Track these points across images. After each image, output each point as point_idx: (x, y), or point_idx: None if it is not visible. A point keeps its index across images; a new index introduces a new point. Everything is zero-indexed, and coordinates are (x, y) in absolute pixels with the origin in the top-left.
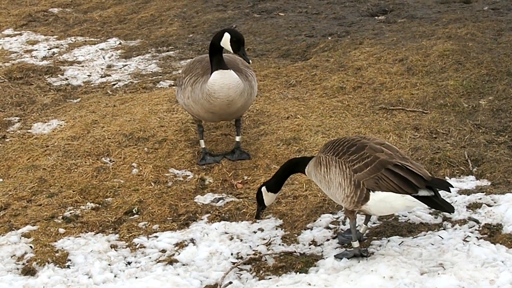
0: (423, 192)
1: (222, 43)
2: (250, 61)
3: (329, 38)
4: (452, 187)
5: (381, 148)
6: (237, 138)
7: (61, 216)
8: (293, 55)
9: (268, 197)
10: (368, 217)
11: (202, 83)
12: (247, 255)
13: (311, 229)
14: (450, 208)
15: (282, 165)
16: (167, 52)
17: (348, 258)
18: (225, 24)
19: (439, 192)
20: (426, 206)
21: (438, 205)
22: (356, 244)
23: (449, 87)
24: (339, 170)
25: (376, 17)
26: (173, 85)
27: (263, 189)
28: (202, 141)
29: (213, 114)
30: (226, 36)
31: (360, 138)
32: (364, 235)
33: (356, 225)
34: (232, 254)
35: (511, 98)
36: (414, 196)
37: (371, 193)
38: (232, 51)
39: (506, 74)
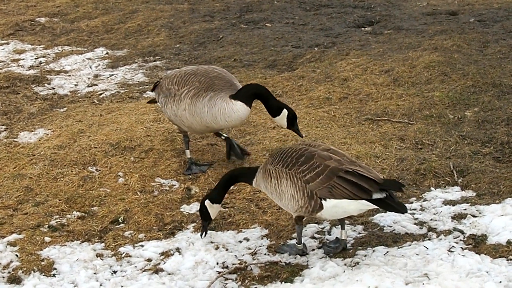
0: (376, 195)
1: (278, 118)
2: (303, 135)
3: (316, 49)
4: (404, 186)
5: (329, 155)
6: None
7: (47, 225)
8: (279, 65)
9: (214, 209)
10: (342, 220)
11: (212, 98)
12: (233, 264)
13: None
14: (403, 209)
15: (225, 175)
16: (154, 62)
17: (289, 254)
18: (211, 34)
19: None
20: (379, 207)
21: (391, 206)
22: (300, 246)
23: (435, 98)
24: (290, 182)
25: (363, 28)
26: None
27: (207, 202)
28: (188, 151)
29: (207, 127)
30: (284, 112)
31: (306, 147)
32: (346, 240)
33: (337, 233)
34: (217, 263)
35: (497, 109)
36: (368, 200)
37: (323, 201)
38: (285, 126)
39: (491, 86)
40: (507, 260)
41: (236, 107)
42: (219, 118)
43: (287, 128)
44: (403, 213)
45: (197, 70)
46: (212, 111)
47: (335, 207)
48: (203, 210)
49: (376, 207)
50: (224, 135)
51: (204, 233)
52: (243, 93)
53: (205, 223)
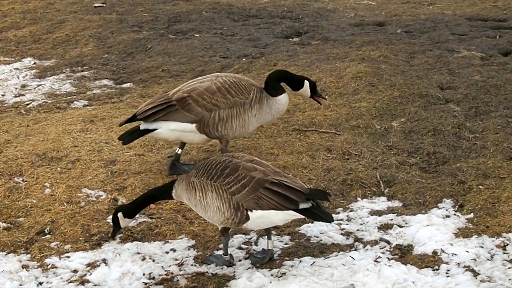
0: (303, 205)
1: (302, 90)
2: (327, 97)
3: (244, 59)
4: (330, 196)
5: (254, 166)
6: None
7: None
8: None
9: (124, 222)
10: (268, 230)
11: (268, 100)
12: (159, 275)
13: None
14: (329, 218)
15: (143, 195)
16: (82, 72)
17: (216, 265)
18: (140, 44)
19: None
20: (305, 217)
21: (318, 216)
22: (227, 257)
23: (362, 108)
24: (216, 194)
25: (291, 39)
26: (87, 105)
27: (120, 214)
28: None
29: (257, 128)
30: (306, 83)
31: (230, 158)
32: (273, 250)
33: (264, 243)
34: (144, 274)
35: (423, 120)
36: (295, 210)
37: (250, 212)
38: (309, 95)
39: (418, 96)
40: (433, 270)
41: (283, 101)
42: (275, 116)
43: (310, 97)
44: (330, 222)
45: (227, 76)
46: (272, 112)
47: (262, 217)
48: (114, 219)
49: (303, 216)
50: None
51: (112, 237)
52: (276, 85)
53: (115, 228)
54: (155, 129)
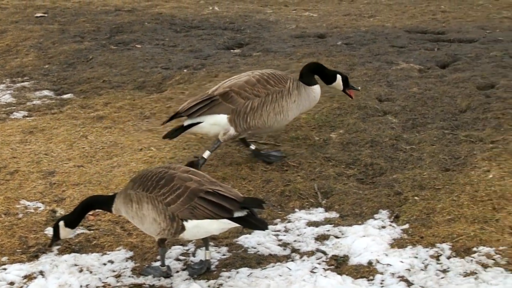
0: (237, 214)
1: (335, 84)
2: (359, 87)
3: (185, 70)
4: (265, 203)
5: (189, 177)
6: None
7: None
8: (148, 87)
9: (65, 232)
10: (206, 241)
11: (305, 88)
12: (97, 287)
13: None
14: (264, 225)
15: (82, 201)
16: (22, 82)
17: (153, 276)
18: (81, 55)
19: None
20: (240, 225)
21: (252, 224)
22: (164, 268)
23: (301, 120)
24: (151, 206)
25: (232, 50)
26: (27, 116)
27: (61, 223)
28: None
29: (294, 116)
30: (339, 77)
31: (166, 170)
32: (210, 261)
33: (202, 255)
34: (81, 286)
35: (361, 131)
36: (229, 218)
37: (185, 222)
38: (341, 89)
39: (356, 108)
40: (368, 280)
41: (317, 91)
42: (311, 104)
43: (342, 91)
44: (264, 230)
45: (261, 70)
46: (309, 100)
47: (197, 227)
48: (55, 228)
49: (238, 225)
50: (252, 146)
51: (50, 246)
52: (310, 76)
53: (54, 238)
54: (199, 122)
